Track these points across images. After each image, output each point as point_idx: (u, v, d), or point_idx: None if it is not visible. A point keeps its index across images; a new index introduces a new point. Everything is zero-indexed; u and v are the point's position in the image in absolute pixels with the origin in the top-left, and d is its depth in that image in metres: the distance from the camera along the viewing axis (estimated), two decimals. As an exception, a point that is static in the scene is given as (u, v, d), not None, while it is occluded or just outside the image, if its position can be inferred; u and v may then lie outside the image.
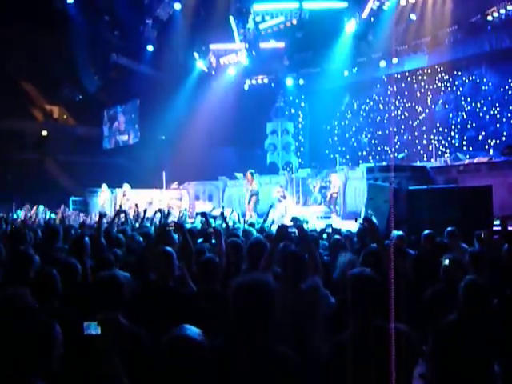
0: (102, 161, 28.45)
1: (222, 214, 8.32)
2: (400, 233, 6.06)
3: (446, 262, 4.21)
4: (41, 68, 26.75)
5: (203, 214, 7.32)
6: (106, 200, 19.23)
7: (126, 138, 29.96)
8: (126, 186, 19.11)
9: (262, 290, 2.42)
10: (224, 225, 7.50)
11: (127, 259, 5.21)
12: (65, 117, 32.98)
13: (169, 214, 8.91)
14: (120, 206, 16.10)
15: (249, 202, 15.87)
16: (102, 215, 6.08)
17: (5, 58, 25.87)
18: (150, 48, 22.79)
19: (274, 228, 7.47)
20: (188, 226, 8.49)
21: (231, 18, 20.27)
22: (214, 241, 5.75)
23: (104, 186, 19.35)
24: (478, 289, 3.32)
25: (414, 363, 2.81)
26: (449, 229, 6.20)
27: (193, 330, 2.41)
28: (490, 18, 17.17)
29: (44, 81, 28.64)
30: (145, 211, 9.24)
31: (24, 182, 23.43)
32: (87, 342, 2.48)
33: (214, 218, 10.47)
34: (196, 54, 22.58)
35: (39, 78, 28.36)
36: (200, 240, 6.54)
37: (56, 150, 29.13)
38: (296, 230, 7.56)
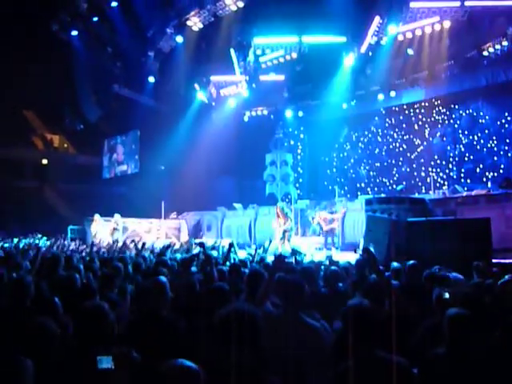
0: (101, 190, 28.52)
1: (232, 244, 8.27)
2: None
3: (447, 295, 4.15)
4: (43, 97, 27.01)
5: (201, 244, 7.29)
6: (98, 229, 19.06)
7: (125, 168, 30.11)
8: (117, 217, 18.94)
9: (247, 319, 2.46)
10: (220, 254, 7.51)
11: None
12: (65, 146, 33.21)
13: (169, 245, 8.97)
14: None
15: (281, 238, 15.26)
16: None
17: (8, 86, 26.17)
18: (151, 79, 23.05)
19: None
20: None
21: (232, 51, 20.60)
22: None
23: (96, 215, 19.21)
24: (462, 321, 3.24)
25: None
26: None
27: (187, 361, 2.40)
28: (485, 53, 17.46)
29: (45, 110, 28.93)
30: (143, 244, 9.23)
31: (23, 210, 23.43)
32: (100, 376, 2.46)
33: (214, 248, 10.46)
34: (197, 86, 22.84)
35: (41, 107, 28.66)
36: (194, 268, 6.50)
37: (56, 179, 29.24)
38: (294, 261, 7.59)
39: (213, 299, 3.98)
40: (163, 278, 4.17)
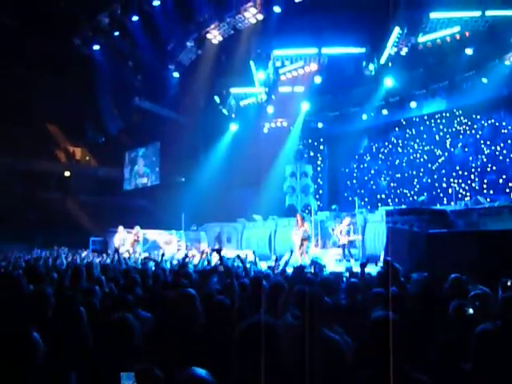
0: (122, 202, 28.77)
1: (239, 256, 8.27)
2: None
3: (471, 311, 4.08)
4: (65, 111, 27.44)
5: (218, 251, 7.21)
6: (122, 241, 19.20)
7: (145, 180, 30.37)
8: (137, 228, 19.04)
9: (267, 331, 2.46)
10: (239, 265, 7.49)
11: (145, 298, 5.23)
12: (87, 158, 33.63)
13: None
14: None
15: (300, 247, 15.32)
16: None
17: (31, 100, 26.65)
18: (171, 92, 23.27)
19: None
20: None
21: (251, 63, 20.73)
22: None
23: (120, 227, 19.37)
24: (492, 339, 3.16)
25: None
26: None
27: (202, 371, 2.40)
28: (507, 62, 17.30)
29: (68, 123, 29.37)
30: (162, 254, 9.23)
31: (46, 221, 23.72)
32: None
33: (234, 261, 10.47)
34: (217, 98, 23.00)
35: (63, 120, 29.12)
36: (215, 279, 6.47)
37: (78, 191, 29.60)
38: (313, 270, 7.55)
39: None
40: (193, 291, 4.11)
